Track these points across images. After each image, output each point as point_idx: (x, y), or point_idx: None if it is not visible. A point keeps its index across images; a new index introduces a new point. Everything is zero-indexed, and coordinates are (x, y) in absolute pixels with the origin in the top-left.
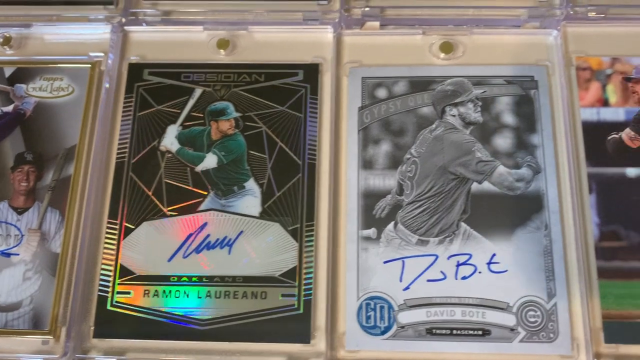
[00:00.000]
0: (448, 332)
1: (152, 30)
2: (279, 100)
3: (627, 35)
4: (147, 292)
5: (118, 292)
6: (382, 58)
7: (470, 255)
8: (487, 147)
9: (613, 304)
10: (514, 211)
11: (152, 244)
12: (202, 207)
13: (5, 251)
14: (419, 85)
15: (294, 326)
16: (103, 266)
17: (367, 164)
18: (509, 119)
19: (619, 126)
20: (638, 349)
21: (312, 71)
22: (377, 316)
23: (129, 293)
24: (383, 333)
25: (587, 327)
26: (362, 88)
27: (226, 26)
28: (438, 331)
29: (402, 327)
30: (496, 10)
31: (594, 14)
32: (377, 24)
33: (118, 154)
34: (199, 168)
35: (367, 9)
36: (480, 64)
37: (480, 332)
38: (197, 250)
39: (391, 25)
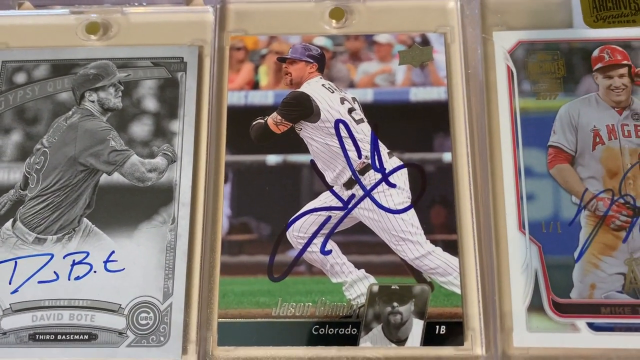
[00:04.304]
0: (53, 337)
1: None
2: None
3: (288, 12)
4: None
5: None
6: (30, 40)
7: (88, 254)
8: (124, 136)
9: (233, 303)
10: (142, 204)
11: None
12: None
13: None
14: (62, 69)
15: None
16: None
17: None
18: (150, 104)
19: (267, 110)
20: (251, 351)
21: None
22: None
23: None
24: None
25: (201, 329)
26: (0, 73)
27: None
28: (42, 337)
29: (4, 333)
30: None
31: None
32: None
33: None
34: None
35: None
36: (132, 44)
37: (86, 337)
38: None
39: (44, 5)
